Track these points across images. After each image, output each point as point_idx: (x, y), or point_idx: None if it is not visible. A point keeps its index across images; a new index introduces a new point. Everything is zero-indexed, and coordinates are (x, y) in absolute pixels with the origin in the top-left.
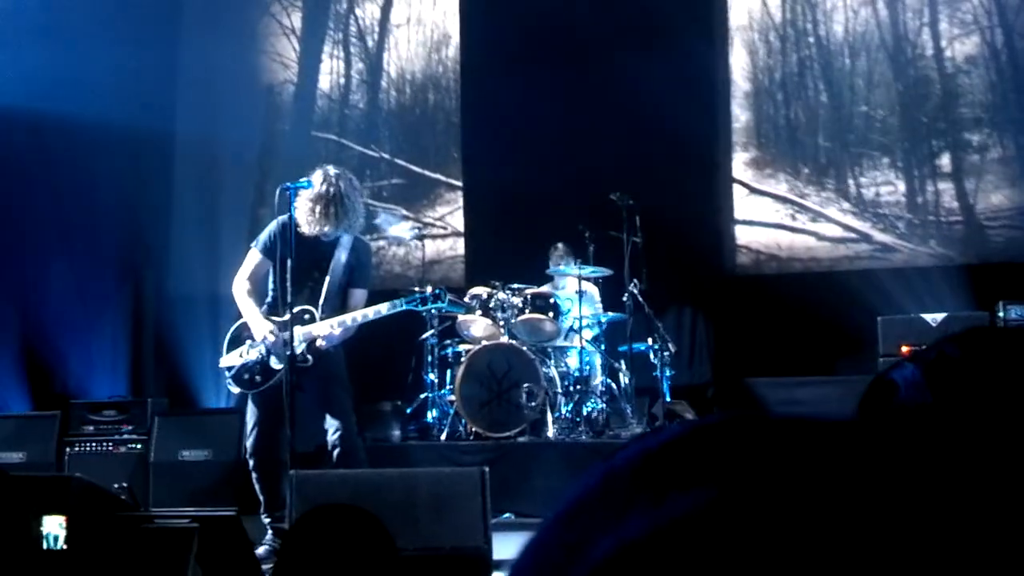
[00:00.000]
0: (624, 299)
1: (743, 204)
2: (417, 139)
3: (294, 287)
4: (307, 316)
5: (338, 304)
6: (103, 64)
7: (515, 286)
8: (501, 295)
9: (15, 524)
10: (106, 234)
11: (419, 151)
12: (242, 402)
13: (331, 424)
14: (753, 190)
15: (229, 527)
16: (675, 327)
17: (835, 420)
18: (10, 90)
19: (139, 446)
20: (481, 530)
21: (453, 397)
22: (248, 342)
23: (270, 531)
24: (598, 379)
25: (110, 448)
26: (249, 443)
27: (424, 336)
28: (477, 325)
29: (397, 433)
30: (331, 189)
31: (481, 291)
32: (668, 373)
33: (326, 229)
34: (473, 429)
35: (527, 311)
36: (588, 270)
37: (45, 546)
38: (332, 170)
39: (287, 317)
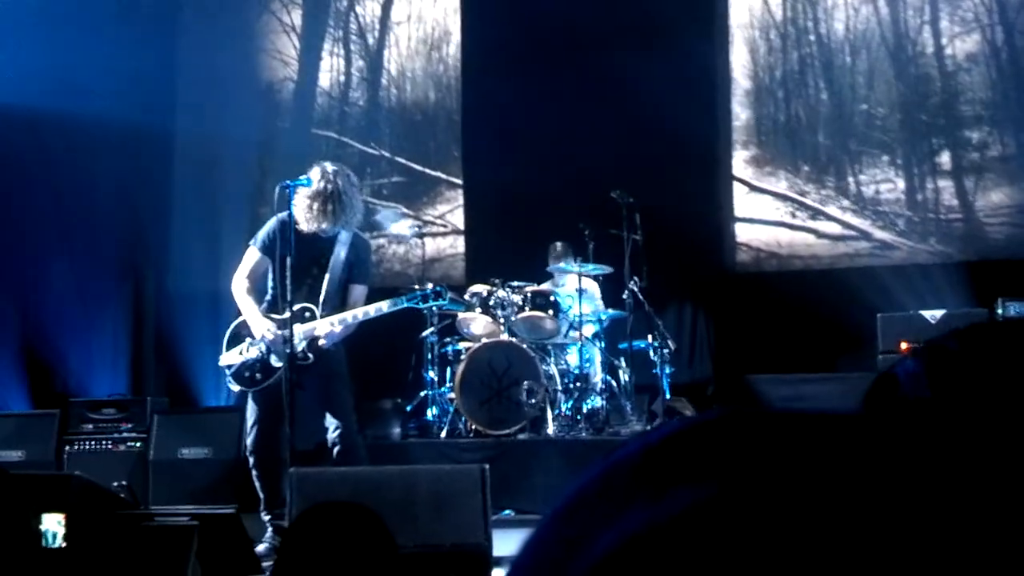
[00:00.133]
0: (624, 297)
1: (743, 202)
2: (417, 137)
3: (293, 285)
4: (307, 314)
5: (338, 301)
6: (102, 62)
7: (515, 284)
8: (501, 293)
9: (15, 522)
10: (106, 232)
11: (419, 149)
12: (242, 400)
13: (331, 422)
14: (753, 188)
15: (229, 525)
16: (675, 324)
17: (833, 414)
18: (10, 88)
19: (139, 444)
20: (481, 527)
21: (453, 395)
22: (248, 340)
23: (270, 529)
24: (598, 376)
25: (109, 446)
26: (249, 441)
27: (424, 334)
28: (477, 323)
29: (397, 431)
30: (328, 185)
31: (481, 289)
32: (668, 370)
33: (324, 226)
34: (473, 426)
35: (527, 309)
36: (588, 268)
37: (44, 544)
38: (330, 166)
39: (287, 315)
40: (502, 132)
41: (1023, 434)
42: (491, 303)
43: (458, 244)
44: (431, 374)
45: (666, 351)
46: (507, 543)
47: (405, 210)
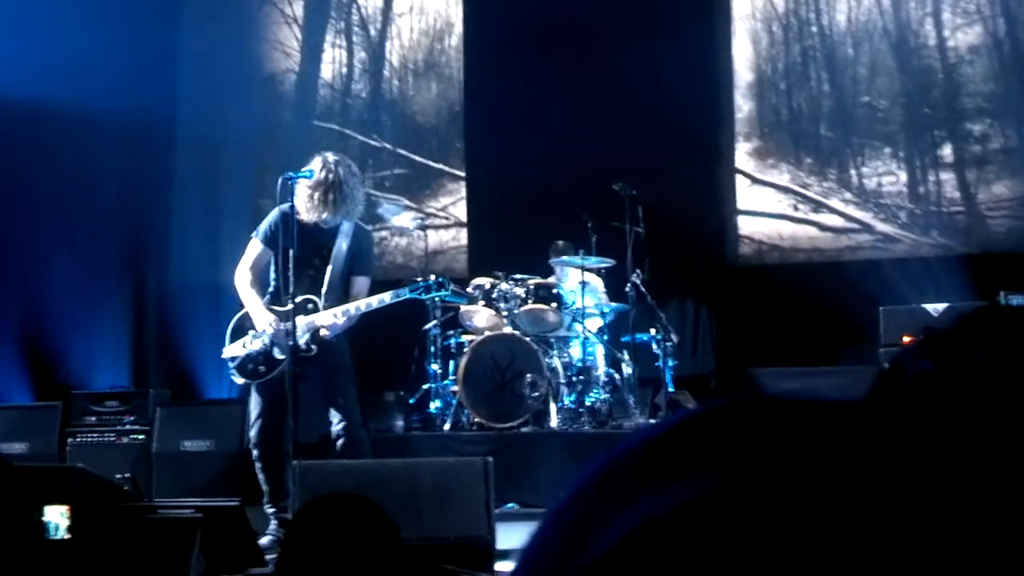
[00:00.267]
0: (627, 290)
1: (745, 194)
2: (419, 129)
3: (296, 276)
4: (310, 306)
5: (341, 292)
6: (104, 53)
7: (518, 276)
8: (504, 285)
9: (19, 514)
10: (107, 224)
11: (421, 141)
12: (244, 392)
13: (335, 414)
14: (755, 180)
15: (233, 517)
16: (678, 317)
17: (837, 401)
18: (11, 80)
19: (141, 437)
20: (484, 520)
21: (456, 387)
22: (251, 332)
23: (274, 521)
24: (601, 370)
25: (112, 439)
26: (253, 433)
27: (427, 326)
28: (480, 315)
29: (400, 423)
30: (330, 176)
31: (484, 281)
32: (671, 363)
33: (325, 216)
34: (476, 419)
35: (530, 301)
36: (591, 260)
37: (48, 536)
38: (331, 157)
39: (290, 307)
40: (504, 124)
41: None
42: (494, 296)
43: (460, 237)
44: (434, 367)
45: (669, 344)
46: (510, 536)
47: (408, 202)
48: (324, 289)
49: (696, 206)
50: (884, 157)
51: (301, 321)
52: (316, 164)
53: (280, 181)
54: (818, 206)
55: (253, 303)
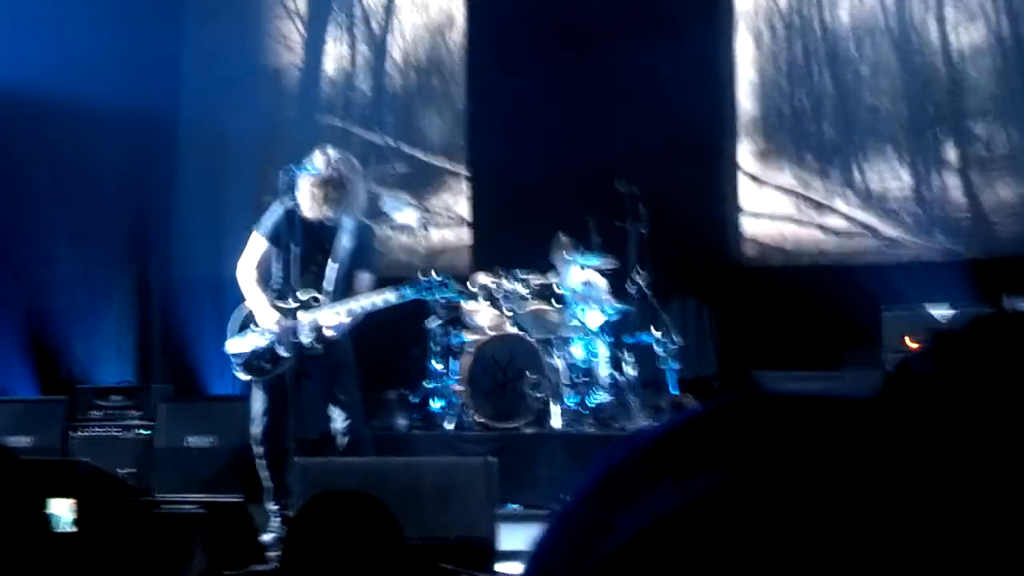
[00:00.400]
0: (629, 289)
1: (749, 195)
2: (422, 125)
3: (299, 272)
4: (315, 303)
5: (344, 288)
6: (106, 46)
7: (521, 276)
8: (507, 284)
9: (26, 506)
10: (111, 218)
11: (424, 137)
12: (247, 389)
13: (338, 412)
14: (759, 181)
15: (236, 514)
16: (680, 319)
17: (844, 398)
18: (14, 73)
19: (145, 432)
20: (486, 520)
21: (458, 387)
22: (256, 328)
23: (276, 519)
24: (603, 371)
25: (116, 434)
26: (259, 431)
27: (430, 324)
28: (482, 314)
29: (402, 422)
30: (331, 171)
31: (486, 280)
32: (674, 365)
33: (327, 212)
34: (478, 419)
35: (533, 301)
36: (594, 260)
37: (53, 529)
38: (333, 152)
39: (293, 304)
40: (507, 121)
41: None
42: (496, 295)
43: (462, 235)
44: (437, 365)
45: (672, 346)
46: (512, 536)
47: (410, 199)
48: (327, 285)
49: (699, 206)
50: (888, 158)
51: (305, 318)
52: (318, 160)
53: (282, 175)
54: (822, 208)
55: (257, 299)
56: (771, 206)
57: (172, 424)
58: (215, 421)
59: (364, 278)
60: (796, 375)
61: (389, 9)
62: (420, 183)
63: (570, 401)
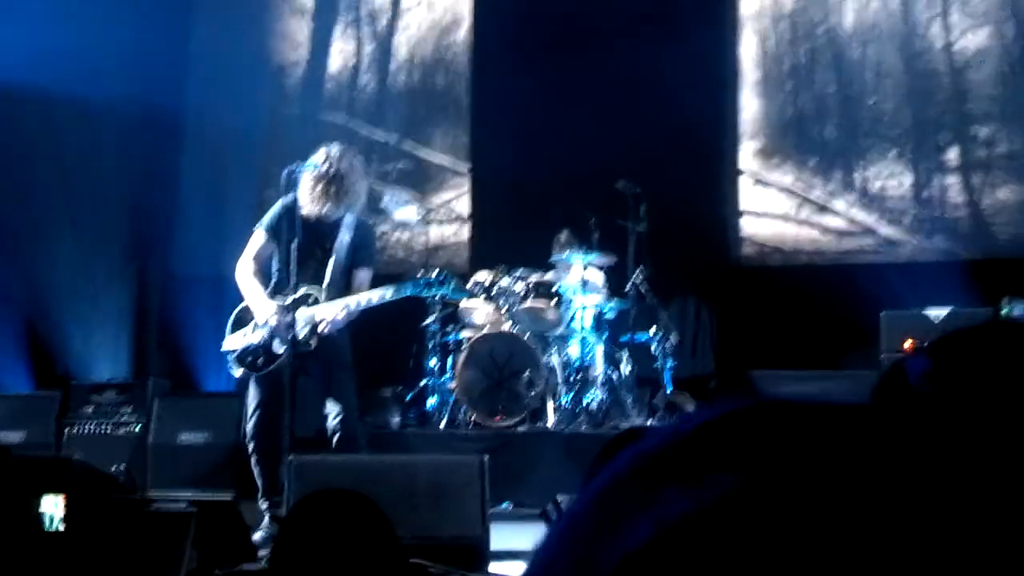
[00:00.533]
0: (627, 288)
1: (749, 195)
2: (425, 122)
3: (298, 269)
4: (311, 299)
5: (343, 285)
6: (112, 42)
7: (518, 273)
8: (504, 282)
9: (14, 503)
10: (111, 214)
11: (427, 135)
12: (242, 385)
13: (333, 408)
14: (759, 181)
15: (226, 512)
16: (678, 317)
17: (856, 406)
18: (18, 68)
19: (139, 428)
20: (479, 520)
21: (454, 384)
22: (252, 324)
23: (268, 516)
24: (599, 369)
25: (109, 430)
26: (250, 427)
27: (426, 322)
28: (479, 312)
29: (396, 419)
30: (332, 168)
31: (484, 277)
32: (670, 364)
33: (327, 208)
34: (473, 417)
35: (530, 298)
36: (593, 257)
37: (43, 526)
38: (335, 149)
39: (292, 300)
40: (510, 119)
41: None
42: (494, 292)
43: (462, 232)
44: (432, 363)
45: (668, 344)
46: (505, 536)
47: (411, 195)
48: (326, 282)
49: (699, 205)
50: (889, 160)
51: (302, 314)
52: (320, 157)
53: (285, 173)
54: (822, 208)
55: (254, 294)
56: (771, 206)
57: (166, 420)
58: (209, 418)
59: (363, 275)
60: (793, 375)
61: (396, 8)
62: (421, 180)
63: (565, 399)
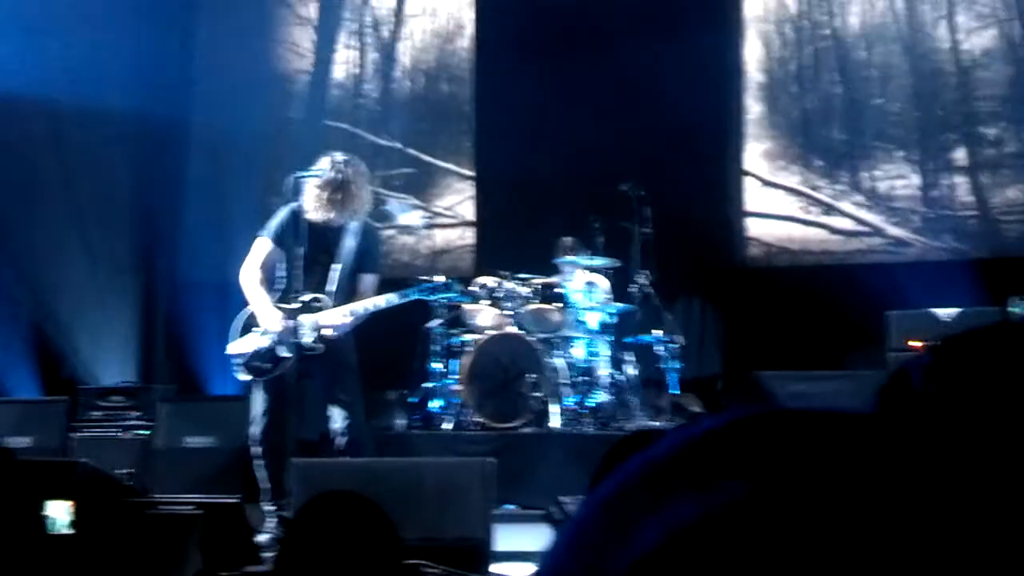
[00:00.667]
0: (633, 290)
1: (755, 196)
2: (429, 129)
3: (304, 275)
4: (317, 304)
5: (348, 290)
6: (118, 52)
7: (523, 276)
8: (509, 284)
9: (22, 508)
10: (118, 220)
11: (431, 141)
12: (247, 389)
13: (339, 412)
14: (765, 182)
15: (231, 514)
16: (684, 319)
17: (864, 414)
18: (23, 78)
19: (146, 432)
20: (482, 522)
21: (458, 387)
22: (258, 330)
23: (273, 519)
24: (604, 371)
25: (117, 434)
26: (258, 431)
27: (430, 325)
28: (484, 315)
29: (401, 422)
30: (337, 175)
31: (489, 280)
32: (676, 365)
33: (332, 215)
34: (478, 419)
35: (535, 301)
36: (596, 261)
37: (50, 530)
38: (339, 156)
39: (297, 305)
40: (514, 124)
41: None
42: (498, 295)
43: (467, 236)
44: (437, 365)
45: (674, 346)
46: (509, 538)
47: (415, 201)
48: (332, 287)
49: (705, 207)
50: (896, 160)
51: (308, 319)
52: (324, 164)
53: (290, 180)
54: (829, 209)
55: (260, 301)
56: (777, 206)
57: (172, 424)
58: (215, 422)
59: (368, 280)
60: (799, 375)
61: (399, 16)
62: (426, 185)
63: (569, 401)
